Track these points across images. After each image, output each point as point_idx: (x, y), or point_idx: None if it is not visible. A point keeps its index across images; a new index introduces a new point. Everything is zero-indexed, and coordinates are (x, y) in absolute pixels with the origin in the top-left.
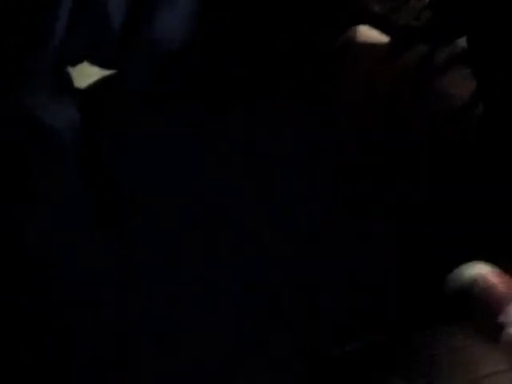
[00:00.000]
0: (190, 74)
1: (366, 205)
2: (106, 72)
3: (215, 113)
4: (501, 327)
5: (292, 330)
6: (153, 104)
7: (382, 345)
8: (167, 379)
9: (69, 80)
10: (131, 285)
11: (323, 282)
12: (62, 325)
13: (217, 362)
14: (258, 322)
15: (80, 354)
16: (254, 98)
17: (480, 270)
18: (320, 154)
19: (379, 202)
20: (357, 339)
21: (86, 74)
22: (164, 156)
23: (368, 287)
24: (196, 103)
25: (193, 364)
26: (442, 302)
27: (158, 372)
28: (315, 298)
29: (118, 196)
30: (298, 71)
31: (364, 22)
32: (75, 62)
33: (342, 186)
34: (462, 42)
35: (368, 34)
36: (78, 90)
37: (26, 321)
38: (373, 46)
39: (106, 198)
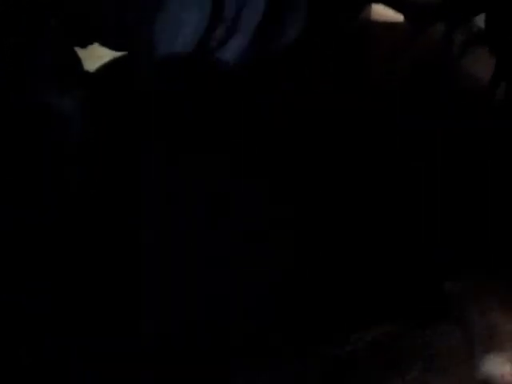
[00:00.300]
0: (190, 74)
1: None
2: (117, 54)
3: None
4: None
5: (292, 329)
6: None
7: (382, 344)
8: (166, 377)
9: (77, 63)
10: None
11: (323, 281)
12: (62, 324)
13: (216, 361)
14: (258, 321)
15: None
16: (254, 98)
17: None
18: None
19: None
20: (357, 338)
21: (96, 56)
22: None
23: (368, 286)
24: (197, 104)
25: (191, 363)
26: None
27: (157, 370)
28: (315, 297)
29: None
30: (297, 71)
31: (379, 1)
32: (85, 44)
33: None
34: (479, 21)
35: (383, 13)
36: (88, 73)
37: (26, 321)
38: (388, 26)
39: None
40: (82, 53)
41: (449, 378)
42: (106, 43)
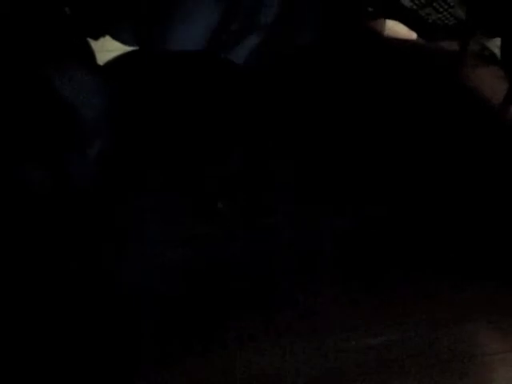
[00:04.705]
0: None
1: None
2: (127, 48)
3: None
4: None
5: None
6: None
7: None
8: None
9: (91, 55)
10: None
11: None
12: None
13: None
14: None
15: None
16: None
17: None
18: None
19: None
20: None
21: (107, 49)
22: None
23: None
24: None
25: None
26: None
27: None
28: None
29: None
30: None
31: (393, 18)
32: (97, 36)
33: None
34: (491, 45)
35: (395, 29)
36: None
37: (27, 320)
38: (400, 42)
39: None
40: (93, 46)
41: None
42: (118, 37)
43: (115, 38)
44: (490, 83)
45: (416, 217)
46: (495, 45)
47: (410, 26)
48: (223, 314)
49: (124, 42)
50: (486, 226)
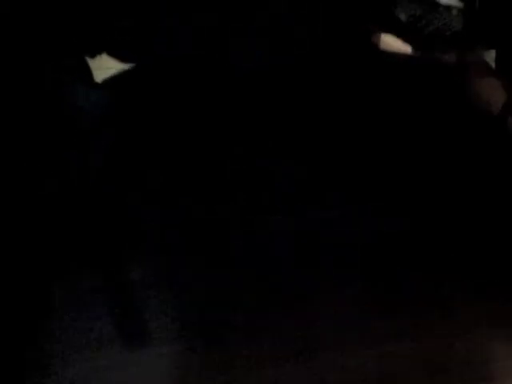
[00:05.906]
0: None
1: None
2: (125, 66)
3: None
4: None
5: None
6: None
7: None
8: None
9: (88, 72)
10: None
11: None
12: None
13: None
14: None
15: None
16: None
17: None
18: None
19: None
20: None
21: (105, 67)
22: None
23: None
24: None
25: None
26: None
27: None
28: None
29: None
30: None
31: (389, 31)
32: (93, 54)
33: None
34: (487, 57)
35: (391, 42)
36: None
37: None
38: (396, 54)
39: None
40: (91, 63)
41: None
42: (114, 54)
43: (112, 55)
44: (487, 93)
45: (421, 222)
46: (491, 57)
47: (406, 39)
48: (223, 314)
49: (121, 59)
50: (490, 231)
